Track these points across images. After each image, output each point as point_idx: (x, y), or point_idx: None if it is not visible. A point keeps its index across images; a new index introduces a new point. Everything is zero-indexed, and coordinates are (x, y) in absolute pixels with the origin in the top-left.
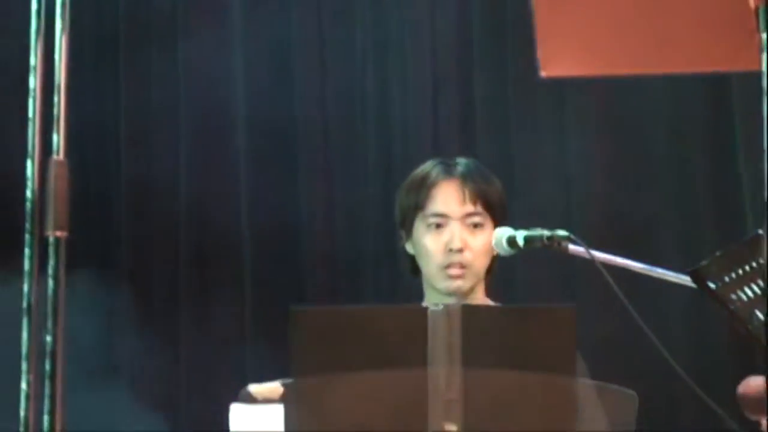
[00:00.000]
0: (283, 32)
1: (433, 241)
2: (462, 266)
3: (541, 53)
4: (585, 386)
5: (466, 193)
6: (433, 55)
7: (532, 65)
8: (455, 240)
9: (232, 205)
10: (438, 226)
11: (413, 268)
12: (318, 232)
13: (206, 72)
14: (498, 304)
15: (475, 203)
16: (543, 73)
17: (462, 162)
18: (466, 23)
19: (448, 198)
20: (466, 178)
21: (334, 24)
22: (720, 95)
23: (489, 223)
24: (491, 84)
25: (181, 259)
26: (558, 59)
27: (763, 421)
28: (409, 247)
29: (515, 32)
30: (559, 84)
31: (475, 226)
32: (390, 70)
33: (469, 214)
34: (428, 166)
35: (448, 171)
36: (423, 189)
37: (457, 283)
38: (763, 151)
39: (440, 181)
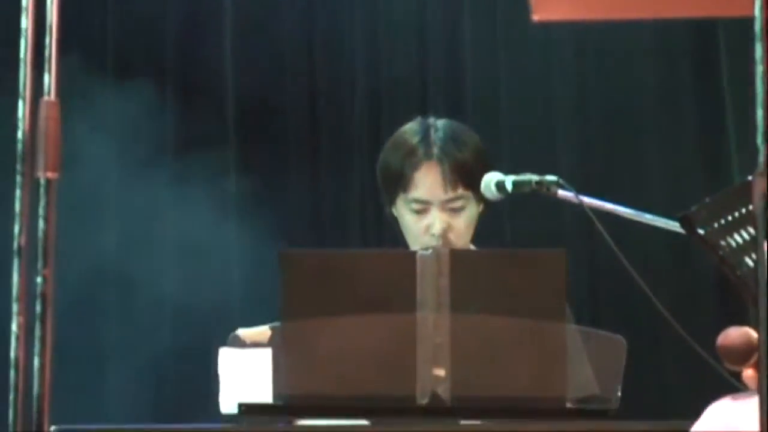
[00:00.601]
0: None
1: (416, 223)
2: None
3: None
4: (572, 332)
5: (447, 178)
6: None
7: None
8: (436, 225)
9: None
10: (420, 210)
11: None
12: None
13: None
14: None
15: (456, 188)
16: (535, 17)
17: (440, 131)
18: None
19: (429, 184)
20: (446, 158)
21: None
22: (707, 40)
23: (471, 200)
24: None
25: None
26: (550, 3)
27: (745, 372)
28: (389, 210)
29: None
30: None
31: (457, 209)
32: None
33: (450, 200)
34: (409, 135)
35: (428, 150)
36: (404, 170)
37: None
38: (756, 96)
39: (421, 164)
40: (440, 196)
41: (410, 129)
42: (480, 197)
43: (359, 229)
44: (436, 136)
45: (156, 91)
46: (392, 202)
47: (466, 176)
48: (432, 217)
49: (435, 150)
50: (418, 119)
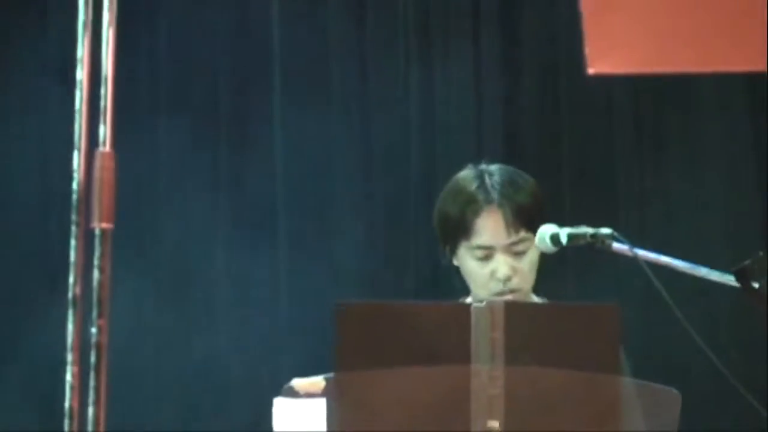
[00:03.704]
0: None
1: (480, 269)
2: (512, 292)
3: (588, 50)
4: (626, 385)
5: (509, 222)
6: None
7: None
8: (502, 270)
9: None
10: (484, 257)
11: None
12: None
13: None
14: (544, 300)
15: (518, 231)
16: (590, 71)
17: (496, 176)
18: None
19: (493, 230)
20: (506, 203)
21: None
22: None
23: (533, 243)
24: None
25: None
26: (605, 57)
27: None
28: (454, 261)
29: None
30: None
31: (520, 252)
32: None
33: (513, 243)
34: (466, 182)
35: (488, 195)
36: (465, 218)
37: None
38: None
39: (482, 210)
40: (503, 241)
41: (466, 176)
42: None
43: (414, 280)
44: (493, 181)
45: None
46: (454, 251)
47: (526, 219)
48: (496, 262)
49: (494, 195)
50: (471, 166)
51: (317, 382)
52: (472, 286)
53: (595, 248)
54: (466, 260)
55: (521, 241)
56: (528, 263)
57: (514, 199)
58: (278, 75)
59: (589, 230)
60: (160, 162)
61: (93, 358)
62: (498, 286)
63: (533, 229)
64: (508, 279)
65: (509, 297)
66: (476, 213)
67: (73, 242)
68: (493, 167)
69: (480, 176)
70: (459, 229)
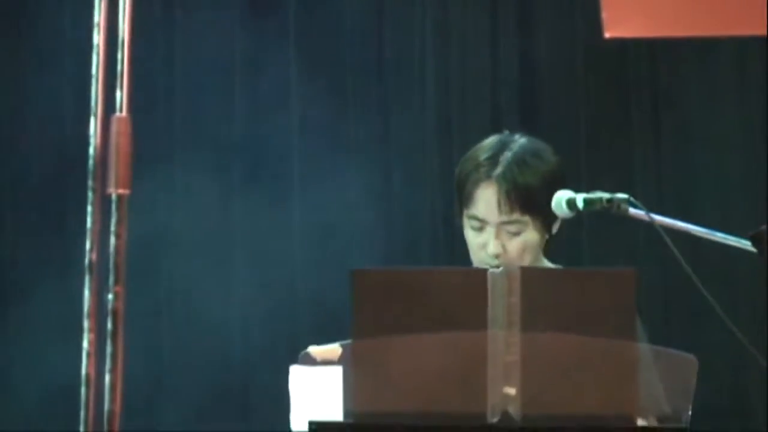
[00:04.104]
0: None
1: (474, 239)
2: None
3: (605, 15)
4: (643, 350)
5: (503, 200)
6: None
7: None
8: (490, 246)
9: None
10: (478, 228)
11: None
12: None
13: None
14: (558, 266)
15: (511, 211)
16: (607, 34)
17: (512, 152)
18: None
19: (485, 204)
20: (504, 181)
21: None
22: None
23: (529, 226)
24: None
25: None
26: (622, 21)
27: None
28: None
29: None
30: None
31: (512, 233)
32: None
33: (505, 222)
34: (482, 151)
35: (491, 169)
36: (467, 186)
37: None
38: None
39: (480, 183)
40: (494, 218)
41: (486, 145)
42: (544, 225)
43: (430, 246)
44: (504, 157)
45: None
46: (458, 214)
47: (524, 201)
48: (487, 236)
49: (497, 170)
50: (498, 136)
51: (333, 349)
52: (470, 252)
53: (611, 213)
54: (465, 226)
55: (514, 222)
56: (518, 245)
57: (515, 179)
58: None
59: (606, 195)
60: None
61: (109, 325)
62: (488, 259)
63: (532, 212)
64: (496, 256)
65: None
66: (476, 184)
67: (89, 208)
68: (517, 141)
69: (497, 147)
70: (462, 195)
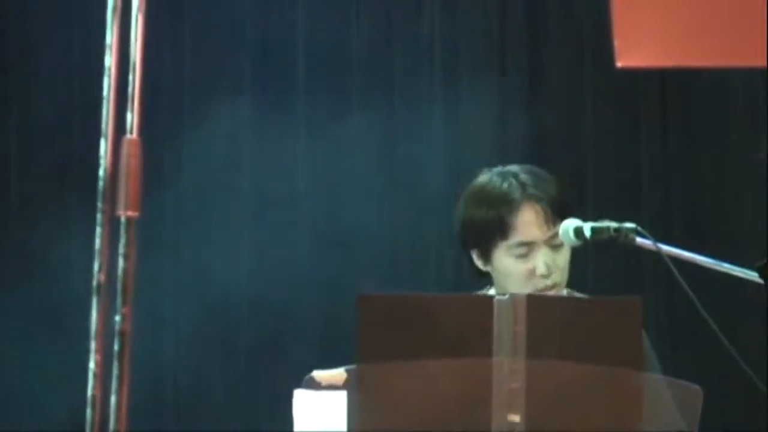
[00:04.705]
0: None
1: (520, 267)
2: (552, 287)
3: (618, 43)
4: (654, 380)
5: (548, 216)
6: None
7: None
8: (541, 266)
9: None
10: (523, 254)
11: (479, 273)
12: None
13: None
14: (572, 293)
15: (555, 224)
16: (619, 64)
17: (522, 173)
18: None
19: (531, 224)
20: (543, 197)
21: None
22: None
23: None
24: None
25: None
26: (634, 50)
27: None
28: (479, 264)
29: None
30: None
31: (558, 245)
32: None
33: (552, 237)
34: (494, 185)
35: (524, 191)
36: (503, 217)
37: None
38: None
39: (520, 207)
40: (543, 235)
41: (489, 179)
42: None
43: (436, 273)
44: (521, 179)
45: None
46: (485, 254)
47: (561, 211)
48: (537, 257)
49: (530, 190)
50: (493, 171)
51: (339, 374)
52: (509, 287)
53: (618, 242)
54: (503, 260)
55: (557, 234)
56: (565, 256)
57: (549, 193)
58: None
59: (613, 224)
60: None
61: (116, 346)
62: (540, 283)
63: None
64: (548, 275)
65: (551, 293)
66: (514, 211)
67: (98, 229)
68: (513, 167)
69: (504, 176)
70: (495, 230)
